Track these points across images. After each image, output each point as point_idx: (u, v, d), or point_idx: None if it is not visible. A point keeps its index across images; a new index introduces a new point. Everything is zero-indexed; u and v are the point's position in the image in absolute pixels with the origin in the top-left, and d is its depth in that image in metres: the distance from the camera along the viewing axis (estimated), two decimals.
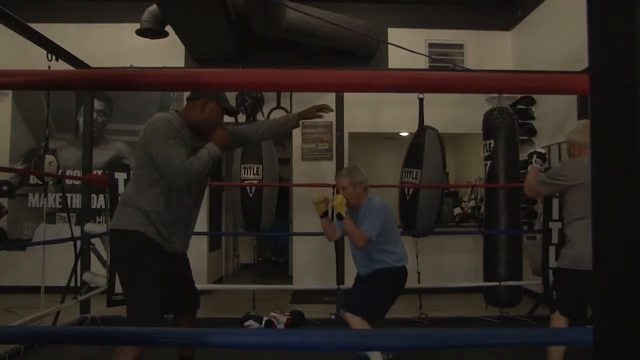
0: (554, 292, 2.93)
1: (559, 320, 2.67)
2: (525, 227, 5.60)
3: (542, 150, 3.16)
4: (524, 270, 4.76)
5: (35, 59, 3.69)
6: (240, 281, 6.79)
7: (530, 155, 3.11)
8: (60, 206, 6.20)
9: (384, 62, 6.50)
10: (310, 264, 6.27)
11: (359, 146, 6.93)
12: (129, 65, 5.37)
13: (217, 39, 5.51)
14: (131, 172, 2.82)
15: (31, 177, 5.98)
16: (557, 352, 2.60)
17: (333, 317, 4.69)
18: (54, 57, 3.76)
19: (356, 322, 3.03)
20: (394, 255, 3.15)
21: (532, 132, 6.05)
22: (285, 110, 5.20)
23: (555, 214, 4.42)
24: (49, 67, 3.58)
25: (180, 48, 6.04)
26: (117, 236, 2.28)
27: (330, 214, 3.30)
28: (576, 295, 2.69)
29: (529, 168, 3.06)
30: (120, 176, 4.25)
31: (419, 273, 4.77)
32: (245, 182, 4.68)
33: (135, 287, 2.25)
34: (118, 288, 4.11)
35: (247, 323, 4.34)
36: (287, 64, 5.61)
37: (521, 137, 5.61)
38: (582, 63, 4.47)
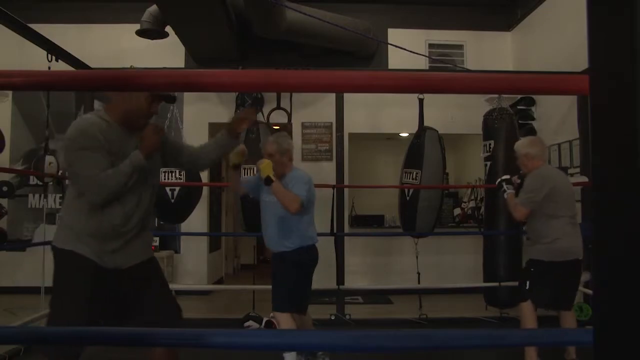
0: (525, 283, 3.12)
1: (528, 308, 2.96)
2: (525, 228, 5.60)
3: (507, 176, 3.35)
4: None
5: (35, 60, 3.69)
6: (240, 282, 6.78)
7: (500, 185, 3.28)
8: (60, 207, 6.20)
9: (384, 62, 6.51)
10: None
11: (359, 147, 6.93)
12: (129, 66, 5.36)
13: (217, 40, 5.51)
14: None
15: (31, 177, 5.98)
16: (533, 351, 2.84)
17: (333, 317, 4.69)
18: (54, 58, 3.76)
19: (282, 320, 3.01)
20: (311, 229, 3.10)
21: (532, 132, 6.05)
22: (286, 110, 5.20)
23: None
24: (49, 68, 3.58)
25: (181, 49, 6.05)
26: (53, 253, 2.10)
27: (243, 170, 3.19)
28: (552, 285, 3.01)
29: (505, 196, 3.22)
30: None
31: (418, 273, 4.78)
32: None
33: (55, 309, 2.08)
34: None
35: (247, 324, 4.33)
36: (287, 64, 5.61)
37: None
38: (582, 63, 4.47)
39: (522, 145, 3.21)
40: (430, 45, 6.58)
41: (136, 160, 1.96)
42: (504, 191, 3.22)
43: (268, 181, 2.87)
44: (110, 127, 2.00)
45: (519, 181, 3.26)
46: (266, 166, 2.90)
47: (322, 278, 5.86)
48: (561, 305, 3.13)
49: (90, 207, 1.97)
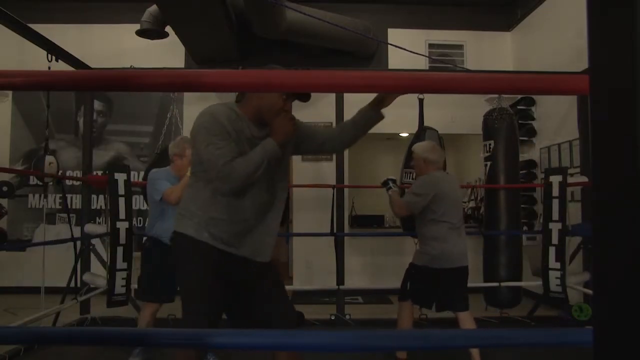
0: (407, 284, 3.26)
1: (405, 309, 3.23)
2: (525, 228, 5.60)
3: (394, 177, 3.49)
4: (524, 271, 4.76)
5: (35, 60, 3.69)
6: None
7: (386, 182, 3.41)
8: (60, 207, 6.20)
9: (384, 62, 6.50)
10: (310, 264, 6.27)
11: (359, 147, 6.91)
12: (129, 66, 5.38)
13: (217, 40, 5.51)
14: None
15: (31, 177, 5.98)
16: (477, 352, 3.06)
17: (333, 317, 4.69)
18: (54, 58, 3.76)
19: (143, 310, 3.22)
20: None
21: (532, 132, 6.06)
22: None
23: (555, 215, 4.42)
24: (49, 68, 3.58)
25: (181, 49, 6.05)
26: (173, 239, 2.07)
27: None
28: (427, 290, 3.19)
29: (389, 193, 3.33)
30: (120, 177, 4.25)
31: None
32: None
33: (185, 297, 2.01)
34: (118, 289, 4.12)
35: None
36: (287, 64, 5.61)
37: (521, 138, 5.62)
38: (582, 63, 4.47)
39: (422, 149, 3.27)
40: (430, 45, 6.58)
41: (270, 148, 1.91)
42: (389, 188, 3.35)
43: None
44: (239, 118, 1.97)
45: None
46: None
47: (322, 278, 5.89)
48: (450, 307, 3.20)
49: (217, 196, 1.93)
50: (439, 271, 3.10)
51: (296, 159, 6.50)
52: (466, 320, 3.15)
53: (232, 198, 1.94)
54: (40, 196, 6.21)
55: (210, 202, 1.96)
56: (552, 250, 4.43)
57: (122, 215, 4.19)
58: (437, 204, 3.11)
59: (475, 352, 3.07)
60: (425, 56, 5.98)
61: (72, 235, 4.24)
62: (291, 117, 2.00)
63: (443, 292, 3.16)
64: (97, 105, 6.25)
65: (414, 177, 4.72)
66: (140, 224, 6.24)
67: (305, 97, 2.06)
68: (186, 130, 5.83)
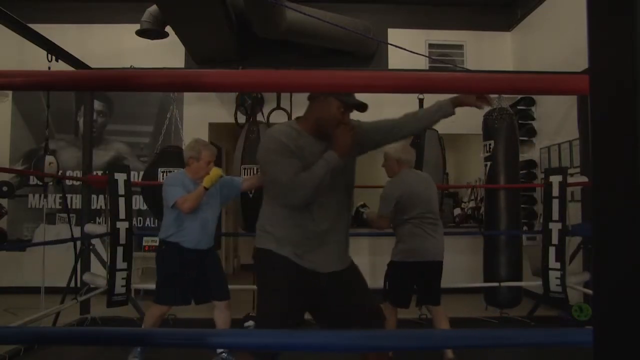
0: (386, 284, 3.27)
1: (388, 309, 3.06)
2: (525, 228, 5.60)
3: (362, 203, 3.57)
4: (524, 271, 4.76)
5: (36, 60, 3.69)
6: (240, 281, 6.77)
7: (357, 211, 3.49)
8: (60, 207, 6.20)
9: (384, 62, 6.50)
10: None
11: None
12: (129, 66, 5.38)
13: (217, 40, 5.51)
14: None
15: (31, 177, 5.98)
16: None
17: None
18: (54, 58, 3.76)
19: (150, 311, 3.24)
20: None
21: (532, 132, 6.06)
22: (286, 110, 5.19)
23: (555, 215, 4.42)
24: (49, 68, 3.59)
25: (181, 49, 6.04)
26: (255, 254, 2.14)
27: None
28: (403, 286, 3.22)
29: (365, 217, 3.45)
30: (120, 177, 4.25)
31: None
32: None
33: (262, 308, 2.09)
34: (118, 289, 4.12)
35: (247, 324, 4.34)
36: (287, 64, 5.61)
37: (521, 138, 5.61)
38: (582, 63, 4.47)
39: (395, 150, 3.31)
40: (430, 45, 6.58)
41: (332, 160, 1.97)
42: (363, 212, 3.47)
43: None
44: (300, 135, 2.04)
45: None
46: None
47: None
48: (427, 300, 3.34)
49: (286, 211, 2.02)
50: (415, 265, 3.17)
51: None
52: (440, 314, 3.31)
53: (305, 212, 2.02)
54: (40, 196, 6.20)
55: (284, 217, 2.03)
56: (552, 250, 4.43)
57: (122, 215, 4.19)
58: (406, 202, 3.17)
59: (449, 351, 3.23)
60: (425, 56, 5.98)
61: (72, 235, 4.24)
62: (350, 127, 2.06)
63: (419, 285, 3.27)
64: (97, 105, 6.25)
65: None
66: (140, 224, 6.24)
67: (362, 108, 2.10)
68: (186, 130, 5.83)
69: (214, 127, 6.37)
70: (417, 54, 4.79)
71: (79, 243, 4.35)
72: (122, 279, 4.13)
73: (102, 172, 5.14)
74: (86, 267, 4.65)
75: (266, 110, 5.30)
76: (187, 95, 6.24)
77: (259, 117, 5.15)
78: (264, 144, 2.05)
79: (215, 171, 3.11)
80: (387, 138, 2.28)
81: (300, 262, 2.01)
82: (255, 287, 5.31)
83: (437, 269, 3.25)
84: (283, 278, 2.02)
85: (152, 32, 5.44)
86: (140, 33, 5.45)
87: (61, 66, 4.02)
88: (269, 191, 2.10)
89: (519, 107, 6.01)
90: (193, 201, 3.07)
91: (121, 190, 4.21)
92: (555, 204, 4.41)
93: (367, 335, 1.26)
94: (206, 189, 3.07)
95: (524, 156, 5.93)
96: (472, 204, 7.12)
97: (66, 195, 4.73)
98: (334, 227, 2.07)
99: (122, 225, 4.18)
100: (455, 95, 2.13)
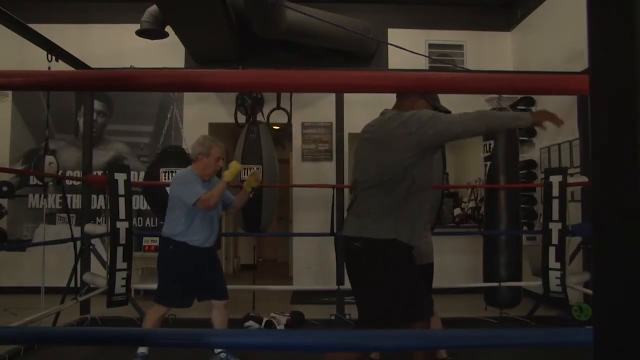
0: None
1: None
2: (525, 228, 5.60)
3: None
4: (524, 271, 4.76)
5: (36, 60, 3.69)
6: (240, 282, 6.78)
7: None
8: (60, 207, 6.20)
9: (384, 62, 6.50)
10: (310, 264, 6.27)
11: None
12: (129, 66, 5.38)
13: (217, 40, 5.51)
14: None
15: (31, 177, 5.99)
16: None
17: (333, 317, 4.69)
18: (54, 58, 3.76)
19: (151, 311, 3.21)
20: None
21: (532, 132, 6.05)
22: (286, 110, 5.20)
23: (555, 215, 4.42)
24: (49, 68, 3.59)
25: (181, 49, 6.05)
26: (365, 244, 2.18)
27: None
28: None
29: None
30: (120, 177, 4.25)
31: None
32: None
33: (382, 295, 2.16)
34: (118, 289, 4.12)
35: (247, 324, 4.34)
36: (287, 64, 5.61)
37: (521, 138, 5.61)
38: (582, 63, 4.48)
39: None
40: (430, 45, 6.58)
41: (523, 116, 2.25)
42: None
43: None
44: None
45: None
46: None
47: (322, 278, 5.89)
48: None
49: (405, 198, 2.13)
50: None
51: (296, 159, 6.51)
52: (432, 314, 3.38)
53: (415, 202, 2.15)
54: (40, 196, 6.21)
55: (397, 206, 2.13)
56: (552, 250, 4.43)
57: (122, 215, 4.19)
58: None
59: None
60: (425, 56, 5.98)
61: (72, 235, 4.24)
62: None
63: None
64: (97, 105, 6.25)
65: None
66: (140, 224, 6.24)
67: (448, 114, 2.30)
68: (186, 130, 5.83)
69: (214, 127, 6.37)
70: (417, 54, 4.79)
71: (79, 243, 4.35)
72: (122, 279, 4.13)
73: (102, 172, 5.14)
74: (86, 267, 4.65)
75: (266, 110, 5.30)
76: (187, 95, 6.25)
77: (259, 117, 5.15)
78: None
79: (235, 165, 3.09)
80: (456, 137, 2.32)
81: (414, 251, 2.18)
82: (254, 287, 5.31)
83: (430, 271, 3.26)
84: (404, 264, 2.15)
85: (152, 32, 5.44)
86: (140, 33, 5.45)
87: (61, 66, 4.02)
88: (385, 183, 2.15)
89: (519, 107, 6.00)
90: (218, 197, 3.04)
91: (121, 190, 4.21)
92: (555, 204, 4.41)
93: (368, 335, 1.26)
94: (228, 183, 3.05)
95: (524, 156, 5.93)
96: (472, 204, 7.11)
97: (66, 195, 4.73)
98: (429, 221, 2.33)
99: (122, 225, 4.18)
100: (537, 111, 2.25)
